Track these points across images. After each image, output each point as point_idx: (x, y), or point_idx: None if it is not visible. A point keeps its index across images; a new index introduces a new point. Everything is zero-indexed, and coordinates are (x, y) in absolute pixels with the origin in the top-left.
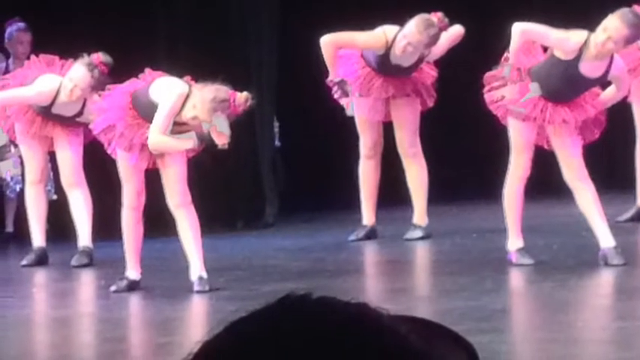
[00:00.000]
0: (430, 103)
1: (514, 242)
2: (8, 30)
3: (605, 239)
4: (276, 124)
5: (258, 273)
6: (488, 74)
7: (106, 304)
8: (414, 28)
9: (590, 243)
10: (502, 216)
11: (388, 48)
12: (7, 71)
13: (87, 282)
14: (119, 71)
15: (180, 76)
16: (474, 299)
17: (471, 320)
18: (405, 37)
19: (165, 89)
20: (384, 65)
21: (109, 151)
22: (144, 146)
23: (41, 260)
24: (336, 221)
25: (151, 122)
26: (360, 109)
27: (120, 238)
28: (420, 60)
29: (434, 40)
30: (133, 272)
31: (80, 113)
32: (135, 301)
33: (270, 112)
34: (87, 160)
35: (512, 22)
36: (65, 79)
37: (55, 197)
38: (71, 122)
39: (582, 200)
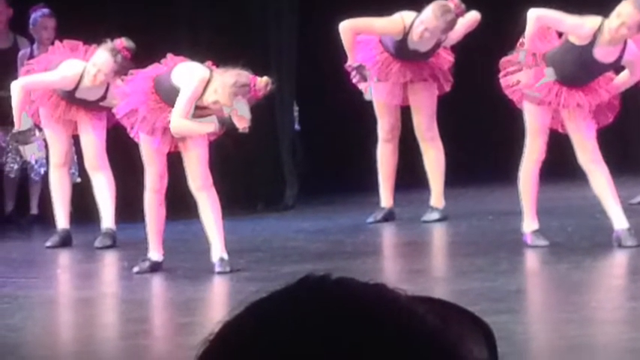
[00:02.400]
0: (447, 88)
1: (529, 224)
2: (33, 16)
3: (619, 221)
4: (296, 108)
5: (277, 254)
6: (504, 59)
7: (129, 285)
8: (431, 13)
9: (604, 225)
10: (517, 198)
11: (406, 33)
12: (31, 56)
13: (110, 263)
14: (141, 56)
15: (202, 61)
16: (490, 280)
17: (487, 301)
18: (422, 22)
19: (187, 74)
20: (402, 50)
21: (131, 135)
22: (166, 130)
23: (65, 242)
24: (354, 204)
25: (173, 106)
26: (378, 93)
27: (142, 220)
28: (437, 45)
29: (451, 25)
30: (155, 254)
31: (103, 98)
32: (157, 282)
33: (289, 97)
34: (110, 144)
35: (528, 8)
36: (89, 64)
37: (78, 180)
38: (94, 106)
39: (596, 183)
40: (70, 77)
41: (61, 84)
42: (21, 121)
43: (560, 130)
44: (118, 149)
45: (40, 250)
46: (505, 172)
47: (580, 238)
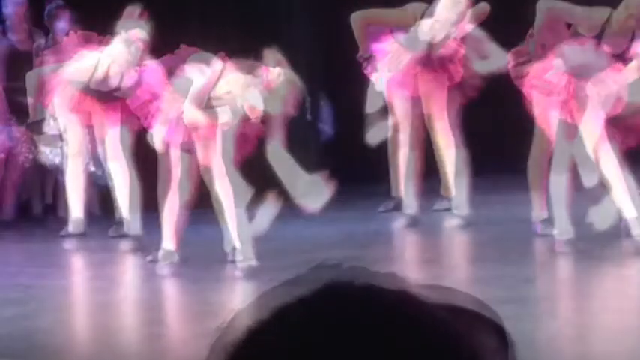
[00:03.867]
0: (457, 78)
1: (539, 213)
2: (48, 7)
3: (628, 210)
4: (307, 98)
5: (302, 259)
6: (513, 50)
7: (144, 273)
8: (441, 5)
9: (628, 232)
10: (526, 188)
11: (430, 47)
12: (46, 48)
13: (125, 252)
14: (154, 48)
15: (214, 52)
16: (499, 269)
17: (496, 289)
18: (432, 14)
19: (200, 65)
20: (425, 60)
21: (145, 125)
22: (179, 120)
23: (79, 231)
24: (366, 193)
25: (186, 97)
26: (389, 84)
27: (157, 210)
28: (447, 37)
29: (461, 17)
30: (169, 243)
31: (118, 88)
32: (171, 271)
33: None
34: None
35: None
36: (103, 55)
37: (93, 169)
38: (109, 97)
39: (605, 172)
40: (84, 68)
41: (75, 75)
42: (36, 111)
43: (569, 121)
44: (133, 139)
45: (53, 239)
46: (514, 161)
47: (589, 227)
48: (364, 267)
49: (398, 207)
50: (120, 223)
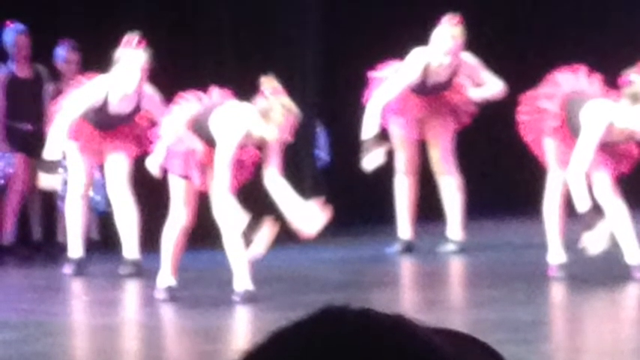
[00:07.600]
0: (466, 121)
1: (555, 256)
2: (57, 50)
3: (633, 256)
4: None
5: (298, 284)
6: (525, 95)
7: (152, 312)
8: (437, 34)
9: (621, 256)
10: (532, 231)
11: (425, 72)
12: (57, 92)
13: (132, 290)
14: (167, 84)
15: (211, 79)
16: (506, 311)
17: (502, 331)
18: (440, 52)
19: (226, 127)
20: (422, 87)
21: (143, 152)
22: (177, 146)
23: (81, 270)
24: (374, 234)
25: (205, 141)
26: (396, 127)
27: (155, 235)
28: (455, 73)
29: (455, 45)
30: (167, 268)
31: (137, 109)
32: (179, 309)
33: (312, 127)
34: (134, 172)
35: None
36: (102, 83)
37: (92, 195)
38: (108, 124)
39: (613, 216)
40: (96, 90)
41: (92, 99)
42: (53, 151)
43: (562, 147)
44: (142, 177)
45: (53, 264)
46: (508, 187)
47: (596, 270)
48: (372, 309)
49: (406, 249)
50: (129, 262)
